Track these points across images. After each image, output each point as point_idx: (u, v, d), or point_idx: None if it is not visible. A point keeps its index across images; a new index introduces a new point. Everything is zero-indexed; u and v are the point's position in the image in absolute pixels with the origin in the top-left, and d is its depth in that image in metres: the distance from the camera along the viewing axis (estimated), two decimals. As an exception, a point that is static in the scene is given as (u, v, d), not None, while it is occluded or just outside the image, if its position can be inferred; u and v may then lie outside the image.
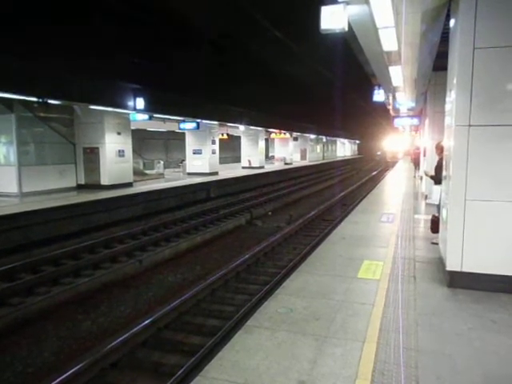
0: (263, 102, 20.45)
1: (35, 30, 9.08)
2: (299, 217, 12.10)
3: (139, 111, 13.88)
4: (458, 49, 4.28)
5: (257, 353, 3.12)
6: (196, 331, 4.99)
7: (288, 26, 13.70)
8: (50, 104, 11.20)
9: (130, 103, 13.23)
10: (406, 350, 3.15)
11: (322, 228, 10.84)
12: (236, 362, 3.00)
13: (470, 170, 4.27)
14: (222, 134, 25.48)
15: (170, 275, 7.33)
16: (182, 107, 15.86)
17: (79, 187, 13.94)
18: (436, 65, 8.79)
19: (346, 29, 4.58)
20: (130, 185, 14.80)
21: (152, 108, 14.11)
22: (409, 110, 16.35)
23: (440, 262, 5.18)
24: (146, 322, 4.82)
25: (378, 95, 12.59)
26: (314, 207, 14.03)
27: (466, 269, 4.38)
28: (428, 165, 10.67)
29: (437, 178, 6.34)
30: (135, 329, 4.64)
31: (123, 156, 14.59)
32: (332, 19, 4.48)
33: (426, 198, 11.21)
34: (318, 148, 41.86)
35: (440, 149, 6.18)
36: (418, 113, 17.40)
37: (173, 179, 17.78)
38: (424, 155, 13.09)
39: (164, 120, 19.29)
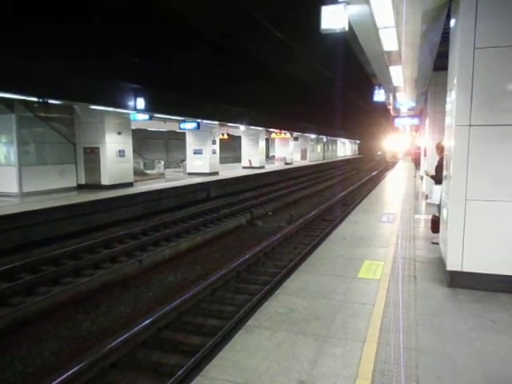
0: (263, 101, 20.43)
1: (35, 29, 9.08)
2: (299, 217, 12.09)
3: (139, 111, 13.88)
4: (458, 49, 4.28)
5: (257, 353, 3.12)
6: (196, 331, 4.98)
7: (288, 25, 13.72)
8: (51, 104, 11.19)
9: (131, 103, 13.23)
10: (406, 349, 3.14)
11: (323, 228, 10.84)
12: (236, 361, 3.00)
13: (471, 170, 4.27)
14: (223, 134, 25.48)
15: (170, 275, 7.33)
16: (182, 107, 15.86)
17: (79, 187, 13.94)
18: (436, 65, 8.79)
19: (347, 29, 4.58)
20: (130, 185, 14.79)
21: (152, 108, 14.11)
22: (409, 109, 16.34)
23: (440, 261, 5.18)
24: (146, 321, 4.82)
25: (379, 95, 12.59)
26: (314, 207, 14.03)
27: (467, 269, 4.38)
28: (428, 165, 10.67)
29: (437, 178, 6.34)
30: (135, 329, 4.63)
31: (123, 156, 14.59)
32: (332, 19, 4.48)
33: (426, 197, 11.20)
34: (319, 148, 41.84)
35: (440, 149, 6.17)
36: (419, 113, 17.39)
37: (173, 179, 17.77)
38: (424, 155, 13.09)
39: (164, 120, 19.30)
